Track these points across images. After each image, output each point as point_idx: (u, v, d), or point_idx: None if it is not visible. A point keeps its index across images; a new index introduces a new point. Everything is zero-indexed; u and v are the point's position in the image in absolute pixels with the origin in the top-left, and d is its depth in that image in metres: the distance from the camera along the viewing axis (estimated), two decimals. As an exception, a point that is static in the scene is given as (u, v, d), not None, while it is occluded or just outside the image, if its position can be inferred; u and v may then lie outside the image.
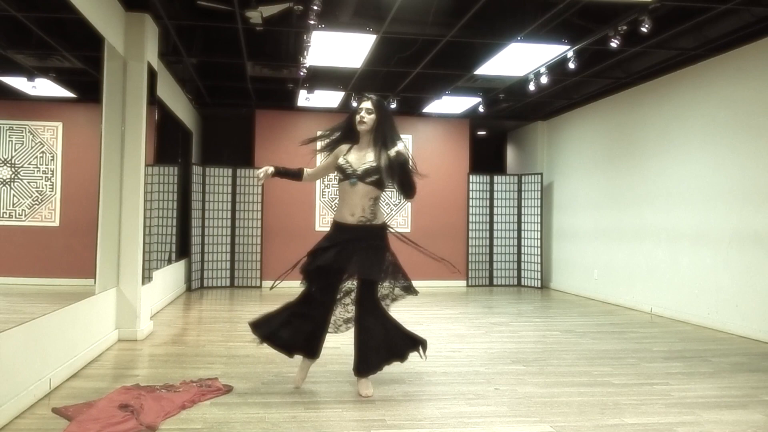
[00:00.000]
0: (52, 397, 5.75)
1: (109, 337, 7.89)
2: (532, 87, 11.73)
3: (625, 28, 8.73)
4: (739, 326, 9.46)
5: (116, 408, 5.28)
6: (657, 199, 11.57)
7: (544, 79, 11.18)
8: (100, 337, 7.52)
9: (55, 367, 6.05)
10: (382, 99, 6.16)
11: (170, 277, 12.14)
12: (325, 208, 15.23)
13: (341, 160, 6.04)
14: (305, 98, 13.31)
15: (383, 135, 5.96)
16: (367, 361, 6.04)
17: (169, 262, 12.18)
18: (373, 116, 5.99)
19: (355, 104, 6.06)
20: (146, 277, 8.71)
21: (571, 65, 10.15)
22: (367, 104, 6.02)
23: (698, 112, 10.58)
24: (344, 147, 6.18)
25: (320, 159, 6.71)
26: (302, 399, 5.89)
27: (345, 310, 6.35)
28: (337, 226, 6.15)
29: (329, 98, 13.77)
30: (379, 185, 6.01)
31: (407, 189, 6.00)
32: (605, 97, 13.38)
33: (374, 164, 5.91)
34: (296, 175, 6.50)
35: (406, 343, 6.31)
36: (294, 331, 6.13)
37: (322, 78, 12.13)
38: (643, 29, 8.44)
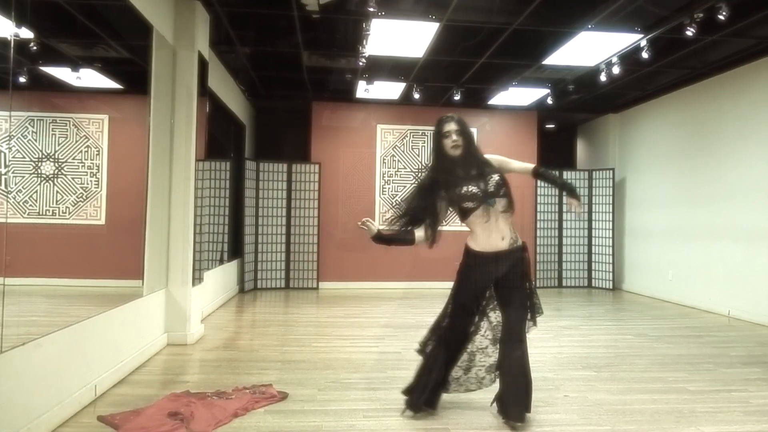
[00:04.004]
0: (97, 404, 5.74)
1: (158, 341, 7.90)
2: (603, 78, 11.55)
3: (701, 15, 8.60)
4: (828, 331, 9.27)
5: (165, 416, 5.26)
6: (735, 197, 11.35)
7: (615, 70, 11.04)
8: (147, 341, 7.52)
9: (100, 372, 6.04)
10: (461, 120, 5.66)
11: (222, 278, 12.18)
12: (385, 205, 15.18)
13: (458, 191, 5.51)
14: (364, 89, 13.26)
15: (477, 156, 5.63)
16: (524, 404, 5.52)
17: (221, 262, 12.21)
18: (462, 137, 5.57)
19: (437, 127, 5.58)
20: (197, 278, 8.71)
21: (645, 55, 10.01)
22: (452, 125, 5.60)
23: (779, 104, 10.34)
24: (439, 176, 5.66)
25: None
26: (361, 407, 5.83)
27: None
28: (482, 258, 5.59)
29: (389, 89, 13.71)
30: (507, 196, 5.58)
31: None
32: (680, 89, 13.16)
33: (496, 178, 5.53)
34: (405, 241, 5.71)
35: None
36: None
37: (382, 68, 12.06)
38: (721, 17, 8.31)
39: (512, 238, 5.54)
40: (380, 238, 5.64)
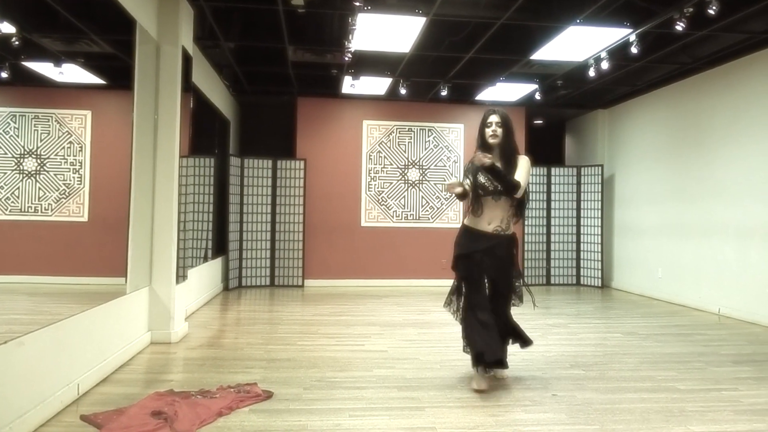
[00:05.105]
0: (80, 403, 5.74)
1: (141, 340, 7.90)
2: (592, 73, 11.59)
3: (691, 10, 8.61)
4: (819, 329, 9.32)
5: (148, 415, 5.26)
6: (725, 193, 11.39)
7: (604, 65, 11.05)
8: (131, 340, 7.53)
9: (83, 371, 6.05)
10: (505, 112, 6.64)
11: (206, 275, 12.18)
12: (371, 202, 15.22)
13: (482, 177, 6.50)
14: (350, 85, 13.31)
15: (510, 149, 6.56)
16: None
17: (205, 259, 12.20)
18: (501, 129, 6.52)
19: (483, 117, 6.47)
20: (180, 276, 8.72)
21: (634, 50, 10.04)
22: (495, 117, 6.55)
23: (770, 100, 10.39)
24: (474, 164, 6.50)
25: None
26: (346, 405, 5.83)
27: None
28: (470, 234, 6.66)
29: (376, 85, 13.73)
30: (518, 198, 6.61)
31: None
32: (670, 84, 13.20)
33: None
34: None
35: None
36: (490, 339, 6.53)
37: (368, 63, 12.09)
38: (711, 11, 8.33)
39: (500, 227, 6.54)
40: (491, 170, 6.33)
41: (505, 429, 5.27)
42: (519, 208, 6.71)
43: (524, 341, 6.95)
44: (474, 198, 6.56)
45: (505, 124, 6.54)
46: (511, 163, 6.48)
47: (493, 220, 6.53)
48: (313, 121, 15.14)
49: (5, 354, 4.68)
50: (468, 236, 6.65)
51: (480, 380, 6.44)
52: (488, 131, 6.55)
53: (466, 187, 6.55)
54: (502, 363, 6.56)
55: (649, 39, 10.24)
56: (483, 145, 6.59)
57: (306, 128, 15.13)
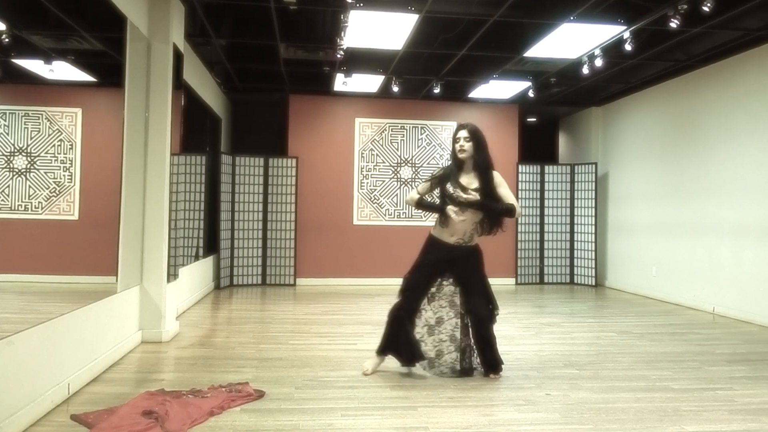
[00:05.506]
0: (70, 403, 5.73)
1: (132, 339, 7.90)
2: (585, 70, 11.59)
3: (685, 6, 8.60)
4: (813, 328, 9.34)
5: (139, 415, 5.26)
6: (720, 191, 11.41)
7: (598, 62, 11.05)
8: (122, 339, 7.52)
9: (73, 371, 6.04)
10: (475, 128, 6.89)
11: (197, 274, 12.18)
12: (363, 200, 15.22)
13: (449, 187, 6.77)
14: (342, 82, 13.29)
15: (483, 162, 6.78)
16: (492, 357, 6.94)
17: (197, 258, 12.19)
18: (470, 143, 6.75)
19: (453, 133, 6.74)
20: (172, 275, 8.71)
21: (628, 47, 10.01)
22: (463, 132, 6.83)
23: (764, 97, 10.40)
24: (448, 172, 6.94)
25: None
26: (339, 405, 5.84)
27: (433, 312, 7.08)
28: (434, 244, 6.95)
29: (368, 82, 13.74)
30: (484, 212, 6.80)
31: (493, 226, 6.85)
32: (664, 81, 13.22)
33: (479, 194, 6.68)
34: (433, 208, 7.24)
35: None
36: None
37: (361, 61, 12.09)
38: (705, 8, 8.32)
39: (462, 240, 6.78)
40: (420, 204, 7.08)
41: (497, 429, 5.27)
42: (493, 220, 6.81)
43: (490, 365, 6.96)
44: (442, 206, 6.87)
45: (474, 138, 6.78)
46: (486, 177, 6.74)
47: (455, 232, 6.76)
48: (305, 119, 15.13)
49: (-5, 353, 4.68)
50: (432, 246, 6.96)
51: (373, 364, 6.99)
52: (457, 146, 6.82)
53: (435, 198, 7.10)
54: (414, 360, 6.95)
55: (643, 36, 10.23)
56: (454, 159, 6.91)
57: (298, 126, 15.13)
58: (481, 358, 6.93)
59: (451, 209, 6.69)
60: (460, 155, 6.77)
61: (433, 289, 6.97)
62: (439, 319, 6.96)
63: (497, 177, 6.80)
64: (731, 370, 7.37)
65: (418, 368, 6.98)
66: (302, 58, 11.95)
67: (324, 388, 6.33)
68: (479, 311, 6.84)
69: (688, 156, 12.38)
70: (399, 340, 6.90)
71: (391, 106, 15.35)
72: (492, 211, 6.66)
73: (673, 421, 5.49)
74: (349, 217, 15.17)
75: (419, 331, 6.95)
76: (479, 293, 6.89)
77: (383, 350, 7.00)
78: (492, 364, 6.89)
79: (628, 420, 5.51)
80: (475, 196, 6.61)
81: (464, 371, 6.89)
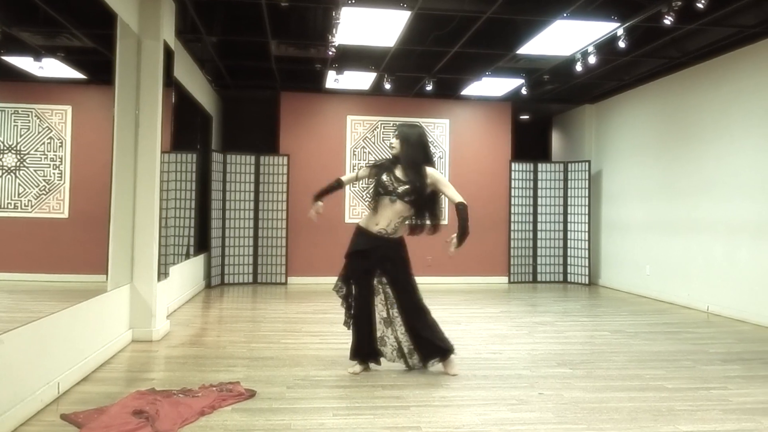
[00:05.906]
0: (60, 402, 5.72)
1: (122, 338, 7.89)
2: (579, 67, 11.60)
3: (679, 3, 8.62)
4: (806, 327, 9.36)
5: (130, 414, 5.25)
6: (714, 189, 11.42)
7: (592, 59, 11.06)
8: (112, 338, 7.51)
9: (63, 370, 6.04)
10: (407, 128, 7.26)
11: (188, 273, 12.17)
12: (355, 198, 15.20)
13: (384, 177, 7.05)
14: (334, 79, 13.28)
15: (411, 159, 7.01)
16: (428, 347, 7.02)
17: (187, 257, 12.18)
18: (398, 141, 7.10)
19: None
20: (162, 273, 8.71)
21: (622, 44, 10.02)
22: (395, 132, 7.25)
23: (759, 95, 10.42)
24: (388, 164, 7.21)
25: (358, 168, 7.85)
26: (330, 404, 5.86)
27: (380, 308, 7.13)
28: (360, 232, 7.22)
29: (360, 79, 13.74)
30: (414, 206, 7.01)
31: (435, 220, 7.23)
32: (658, 79, 13.23)
33: (408, 186, 6.90)
34: (337, 187, 7.60)
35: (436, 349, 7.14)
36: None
37: (352, 58, 12.09)
38: (699, 5, 8.33)
39: (384, 230, 6.99)
40: (320, 198, 7.53)
41: (490, 428, 5.27)
42: (425, 212, 7.16)
43: (441, 352, 7.08)
44: (373, 196, 7.12)
45: (404, 138, 7.05)
46: (417, 172, 6.93)
47: (380, 221, 7.00)
48: (296, 117, 15.12)
49: (-16, 353, 4.68)
50: (357, 235, 7.23)
51: (356, 366, 7.04)
52: (389, 143, 7.44)
53: (318, 207, 7.49)
54: (375, 356, 7.12)
55: (637, 33, 10.26)
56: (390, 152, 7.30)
57: (289, 123, 15.12)
58: (419, 353, 7.01)
59: (386, 198, 6.92)
60: (392, 151, 7.19)
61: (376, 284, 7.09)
62: (390, 314, 7.08)
63: (434, 174, 7.03)
64: (725, 369, 7.38)
65: (400, 365, 7.10)
66: (294, 55, 11.95)
67: (315, 388, 6.34)
68: (407, 306, 6.99)
69: (682, 154, 12.39)
70: (364, 342, 7.03)
71: (383, 103, 15.35)
72: (465, 228, 6.79)
73: (668, 421, 5.49)
74: (340, 215, 15.13)
75: (379, 327, 7.07)
76: (404, 290, 7.03)
77: (354, 356, 7.08)
78: (431, 352, 7.03)
79: (621, 419, 5.51)
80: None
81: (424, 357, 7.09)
